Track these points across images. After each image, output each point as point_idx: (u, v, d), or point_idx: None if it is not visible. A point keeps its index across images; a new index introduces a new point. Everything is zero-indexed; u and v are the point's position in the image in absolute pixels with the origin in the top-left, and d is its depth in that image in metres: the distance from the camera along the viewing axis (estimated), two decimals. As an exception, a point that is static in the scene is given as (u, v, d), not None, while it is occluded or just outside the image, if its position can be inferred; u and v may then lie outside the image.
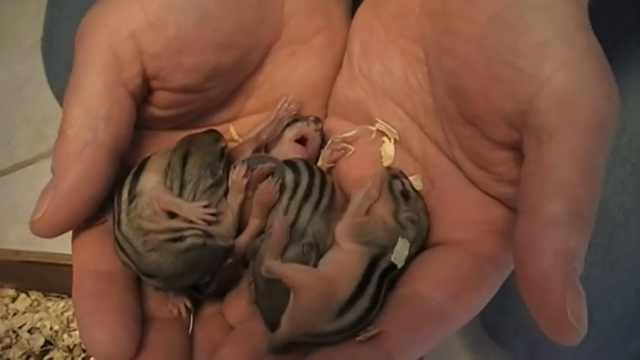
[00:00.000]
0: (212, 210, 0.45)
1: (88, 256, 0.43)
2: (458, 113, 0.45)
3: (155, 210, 0.43)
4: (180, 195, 0.45)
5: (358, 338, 0.40)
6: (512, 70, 0.39)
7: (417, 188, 0.48)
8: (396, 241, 0.44)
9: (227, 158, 0.48)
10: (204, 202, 0.45)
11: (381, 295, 0.42)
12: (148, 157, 0.47)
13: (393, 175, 0.47)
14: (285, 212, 0.45)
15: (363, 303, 0.41)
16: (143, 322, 0.42)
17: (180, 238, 0.42)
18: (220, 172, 0.47)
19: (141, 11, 0.44)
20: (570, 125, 0.37)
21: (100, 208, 0.44)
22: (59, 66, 0.85)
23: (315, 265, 0.44)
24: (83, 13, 0.45)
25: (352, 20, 0.55)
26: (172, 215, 0.44)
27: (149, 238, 0.42)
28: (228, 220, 0.46)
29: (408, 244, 0.45)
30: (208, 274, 0.44)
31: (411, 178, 0.49)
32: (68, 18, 0.83)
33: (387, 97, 0.51)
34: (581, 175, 0.37)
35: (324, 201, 0.46)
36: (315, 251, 0.44)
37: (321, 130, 0.52)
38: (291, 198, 0.46)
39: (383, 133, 0.52)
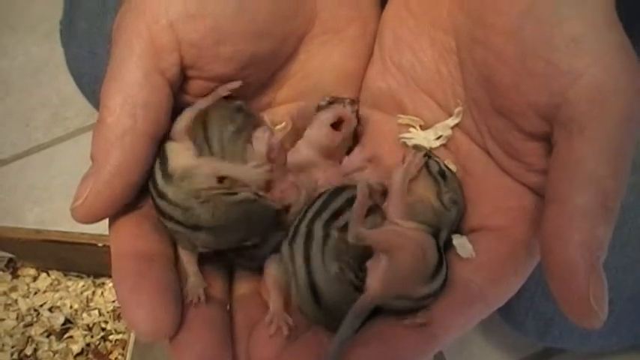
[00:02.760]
0: (265, 167, 0.47)
1: (127, 238, 0.44)
2: (489, 104, 0.46)
3: (207, 176, 0.45)
4: (210, 150, 0.47)
5: (406, 322, 0.41)
6: (546, 65, 0.40)
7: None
8: (444, 221, 0.46)
9: (246, 112, 0.50)
10: (254, 162, 0.47)
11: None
12: (163, 144, 0.47)
13: (428, 155, 0.48)
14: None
15: (444, 270, 0.43)
16: (182, 303, 0.43)
17: (234, 193, 0.44)
18: (238, 118, 0.49)
19: (180, 1, 0.45)
20: (601, 119, 0.39)
21: (137, 195, 0.45)
22: (79, 49, 0.86)
23: None
24: None
25: (383, 11, 0.55)
26: (222, 180, 0.45)
27: (201, 193, 0.44)
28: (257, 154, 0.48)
29: (465, 238, 0.46)
30: (256, 233, 0.45)
31: (445, 161, 0.50)
32: (89, 1, 0.84)
33: (418, 87, 0.52)
34: (609, 168, 0.38)
35: None
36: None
37: (357, 111, 0.52)
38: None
39: (409, 125, 0.52)
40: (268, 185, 0.48)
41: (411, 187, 0.47)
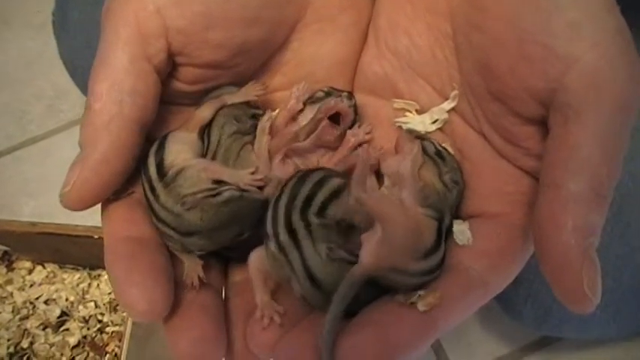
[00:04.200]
0: (259, 175, 0.46)
1: (119, 224, 0.44)
2: (485, 89, 0.46)
3: (200, 178, 0.45)
4: (208, 139, 0.47)
5: (399, 297, 0.41)
6: (543, 50, 0.40)
7: None
8: (447, 203, 0.46)
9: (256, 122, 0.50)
10: (252, 169, 0.46)
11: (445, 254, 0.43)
12: (167, 134, 0.47)
13: (421, 138, 0.48)
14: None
15: (440, 253, 0.43)
16: (177, 287, 0.43)
17: (218, 194, 0.44)
18: (247, 123, 0.49)
19: None
20: (597, 105, 0.38)
21: (127, 181, 0.45)
22: (72, 41, 0.85)
23: None
24: None
25: None
26: (217, 182, 0.45)
27: (187, 199, 0.43)
28: (252, 163, 0.48)
29: (466, 224, 0.46)
30: (248, 227, 0.46)
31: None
32: (81, -7, 0.83)
33: (414, 72, 0.52)
34: (603, 155, 0.38)
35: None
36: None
37: (355, 105, 0.52)
38: None
39: (405, 109, 0.52)
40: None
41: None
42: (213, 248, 0.46)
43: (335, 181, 0.45)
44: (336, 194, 0.44)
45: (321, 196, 0.44)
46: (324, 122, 0.50)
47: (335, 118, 0.51)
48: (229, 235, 0.45)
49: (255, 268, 0.45)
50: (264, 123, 0.49)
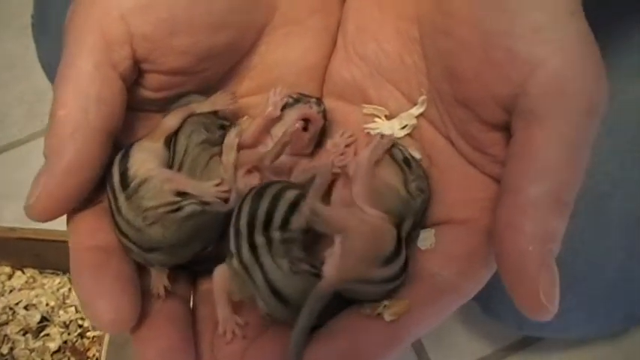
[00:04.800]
0: (225, 187, 0.46)
1: (85, 233, 0.43)
2: (452, 95, 0.45)
3: (162, 190, 0.44)
4: (174, 148, 0.47)
5: (366, 311, 0.41)
6: (506, 54, 0.40)
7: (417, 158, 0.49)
8: (410, 210, 0.46)
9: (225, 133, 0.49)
10: (217, 181, 0.46)
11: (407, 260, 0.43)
12: (132, 143, 0.47)
13: (392, 144, 0.48)
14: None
15: (401, 259, 0.42)
16: (144, 297, 0.42)
17: (179, 208, 0.43)
18: (216, 133, 0.48)
19: None
20: (560, 111, 0.38)
21: (94, 189, 0.44)
22: (51, 44, 0.84)
23: None
24: None
25: (346, 0, 0.54)
26: (180, 194, 0.44)
27: (148, 214, 0.43)
28: (219, 176, 0.47)
29: (432, 231, 0.46)
30: (211, 241, 0.45)
31: (409, 150, 0.49)
32: (58, -5, 0.83)
33: (383, 77, 0.52)
34: (566, 160, 0.38)
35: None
36: None
37: (324, 111, 0.52)
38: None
39: (375, 115, 0.52)
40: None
41: (377, 175, 0.46)
42: (177, 263, 0.45)
43: (292, 193, 0.44)
44: (294, 206, 0.44)
45: (281, 210, 0.43)
46: (296, 125, 0.50)
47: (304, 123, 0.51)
48: (193, 251, 0.45)
49: (218, 284, 0.44)
50: (231, 139, 0.48)
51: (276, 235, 0.42)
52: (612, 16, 0.64)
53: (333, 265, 0.40)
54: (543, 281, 0.36)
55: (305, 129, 0.50)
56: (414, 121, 0.50)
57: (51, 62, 0.87)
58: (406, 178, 0.46)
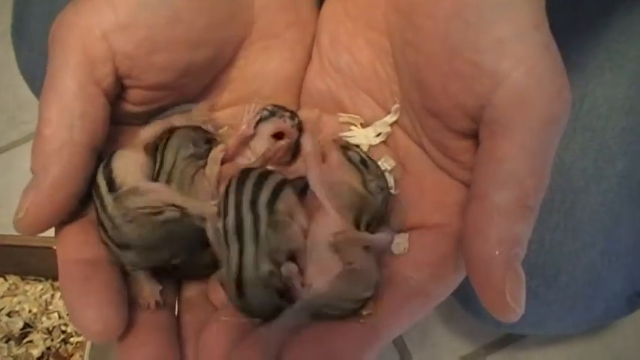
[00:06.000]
0: (215, 202, 0.46)
1: (72, 245, 0.44)
2: (422, 105, 0.46)
3: (153, 200, 0.45)
4: (161, 159, 0.47)
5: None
6: (471, 67, 0.41)
7: (389, 167, 0.50)
8: (369, 206, 0.46)
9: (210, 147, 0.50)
10: (215, 202, 0.46)
11: None
12: (114, 152, 0.47)
13: (345, 146, 0.49)
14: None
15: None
16: (130, 307, 0.43)
17: (159, 212, 0.44)
18: (202, 147, 0.49)
19: (112, 12, 0.44)
20: (524, 121, 0.39)
21: (80, 202, 0.45)
22: (30, 52, 0.84)
23: None
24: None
25: (320, 13, 0.56)
26: (171, 205, 0.45)
27: (130, 212, 0.44)
28: (205, 189, 0.48)
29: (406, 236, 0.47)
30: (180, 253, 0.46)
31: (382, 159, 0.51)
32: (38, 3, 0.83)
33: (357, 86, 0.53)
34: (530, 168, 0.39)
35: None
36: None
37: (299, 124, 0.53)
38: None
39: (350, 123, 0.53)
40: None
41: (335, 175, 0.47)
42: (144, 266, 0.45)
43: (277, 176, 0.45)
44: (280, 187, 0.45)
45: (266, 190, 0.44)
46: (267, 141, 0.51)
47: (279, 135, 0.52)
48: (161, 257, 0.45)
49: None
50: (216, 153, 0.49)
51: (263, 212, 0.43)
52: (580, 16, 0.66)
53: (325, 283, 0.42)
54: (510, 284, 0.37)
55: (280, 138, 0.51)
56: (388, 129, 0.51)
57: (30, 69, 0.87)
58: (364, 178, 0.47)
